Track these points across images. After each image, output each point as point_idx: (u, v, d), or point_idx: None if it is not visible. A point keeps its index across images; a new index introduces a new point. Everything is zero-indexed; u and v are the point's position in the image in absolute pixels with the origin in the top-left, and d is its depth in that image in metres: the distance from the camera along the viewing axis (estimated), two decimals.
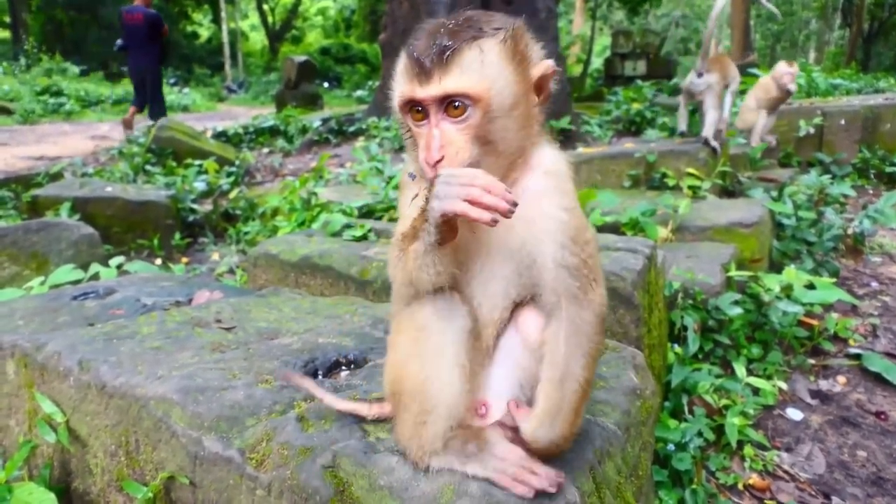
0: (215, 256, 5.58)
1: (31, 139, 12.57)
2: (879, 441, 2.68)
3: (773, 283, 3.07)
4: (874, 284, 4.39)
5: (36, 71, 21.23)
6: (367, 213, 4.42)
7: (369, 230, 2.78)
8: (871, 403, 2.96)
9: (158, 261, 5.54)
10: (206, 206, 6.46)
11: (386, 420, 1.25)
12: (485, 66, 1.01)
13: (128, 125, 10.89)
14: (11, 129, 14.24)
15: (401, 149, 9.43)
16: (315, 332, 1.79)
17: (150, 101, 11.30)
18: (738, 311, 2.86)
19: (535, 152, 1.12)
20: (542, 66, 1.09)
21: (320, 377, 1.55)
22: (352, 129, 10.54)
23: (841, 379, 3.14)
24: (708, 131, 4.95)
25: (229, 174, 7.64)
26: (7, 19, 31.02)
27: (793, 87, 6.01)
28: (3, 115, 15.47)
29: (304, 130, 10.86)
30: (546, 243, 1.07)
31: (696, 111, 5.83)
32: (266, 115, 12.60)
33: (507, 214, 0.94)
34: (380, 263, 2.45)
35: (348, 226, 2.83)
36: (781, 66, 6.20)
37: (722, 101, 5.38)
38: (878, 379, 3.12)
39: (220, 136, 10.64)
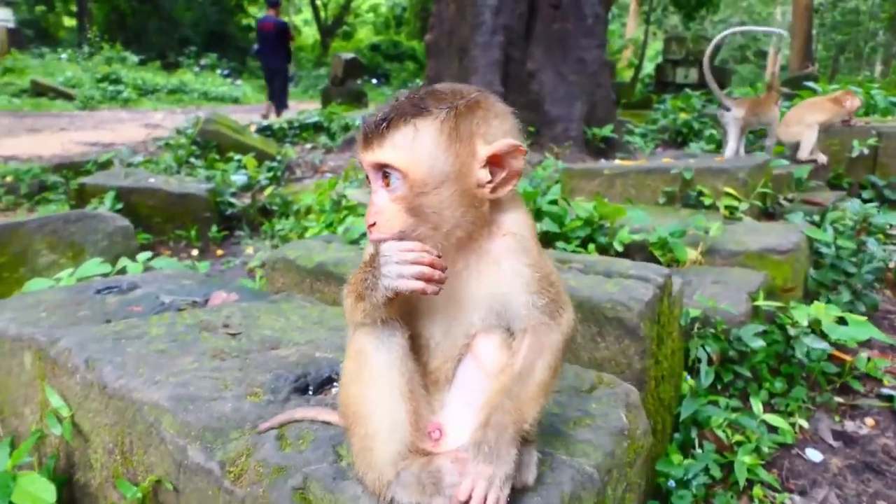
0: (249, 250, 5.71)
1: (89, 125, 13.09)
2: None
3: (801, 315, 2.95)
4: None
5: (97, 59, 22.11)
6: None
7: None
8: None
9: (195, 252, 5.71)
10: (245, 200, 6.62)
11: None
12: (415, 144, 1.06)
13: (265, 117, 12.90)
14: (72, 114, 14.86)
15: None
16: (315, 344, 1.81)
17: (277, 95, 13.44)
18: (760, 343, 2.77)
19: (497, 217, 1.17)
20: (498, 145, 1.10)
21: (310, 393, 1.57)
22: None
23: (869, 421, 3.00)
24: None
25: (269, 169, 7.80)
26: (74, 8, 32.38)
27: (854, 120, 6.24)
28: (66, 100, 16.15)
29: (346, 128, 11.00)
30: (516, 295, 1.14)
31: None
32: (311, 110, 12.80)
33: (443, 282, 1.05)
34: None
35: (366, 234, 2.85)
36: (851, 97, 6.31)
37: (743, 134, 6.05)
38: None
39: (265, 130, 10.87)
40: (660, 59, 20.53)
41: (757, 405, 2.59)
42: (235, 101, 21.55)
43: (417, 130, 1.06)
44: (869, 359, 3.25)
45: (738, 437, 2.53)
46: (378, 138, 1.07)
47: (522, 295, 1.13)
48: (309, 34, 41.68)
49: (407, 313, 1.15)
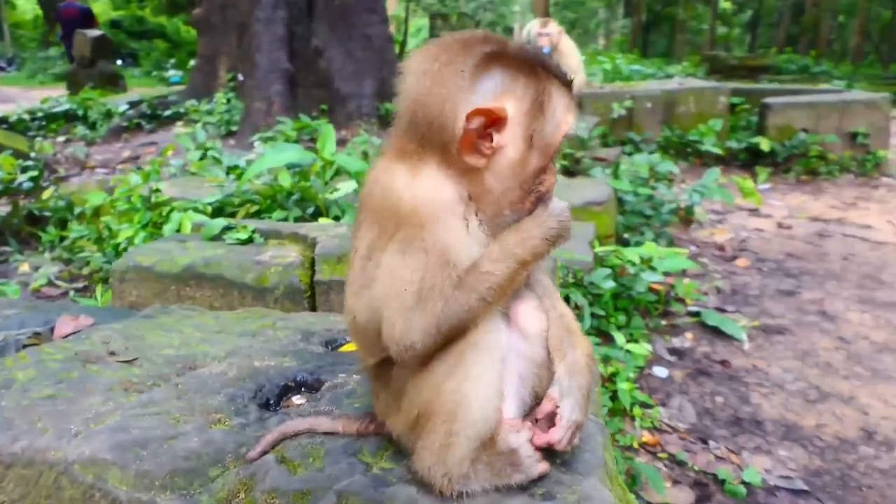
0: (24, 267, 4.76)
1: None
2: (729, 386, 3.11)
3: (633, 255, 3.38)
4: (693, 248, 5.05)
5: None
6: (219, 208, 4.05)
7: (253, 231, 2.55)
8: (715, 354, 3.41)
9: None
10: (3, 208, 5.48)
11: (383, 446, 1.16)
12: None
13: None
14: None
15: (229, 134, 8.79)
16: (243, 354, 1.61)
17: None
18: (611, 284, 3.11)
19: None
20: None
21: (273, 407, 1.39)
22: (167, 113, 9.60)
23: (689, 335, 3.58)
24: None
25: (25, 169, 6.53)
26: None
27: (546, 49, 5.67)
28: None
29: (108, 115, 9.65)
30: None
31: None
32: (56, 97, 10.95)
33: None
34: (278, 268, 2.26)
35: (228, 228, 2.57)
36: (534, 26, 6.12)
37: None
38: (716, 331, 3.61)
39: (0, 122, 9.07)
40: (426, 36, 21.33)
41: (619, 337, 2.92)
42: None
43: None
44: (685, 286, 3.85)
45: (611, 369, 2.83)
46: None
47: None
48: (27, 8, 35.02)
49: None
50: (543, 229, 1.05)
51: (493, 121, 1.00)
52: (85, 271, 4.40)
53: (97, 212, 4.94)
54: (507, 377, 1.09)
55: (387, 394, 1.12)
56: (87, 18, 14.03)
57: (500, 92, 1.01)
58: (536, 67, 1.03)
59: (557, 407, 1.09)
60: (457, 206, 1.03)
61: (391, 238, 1.03)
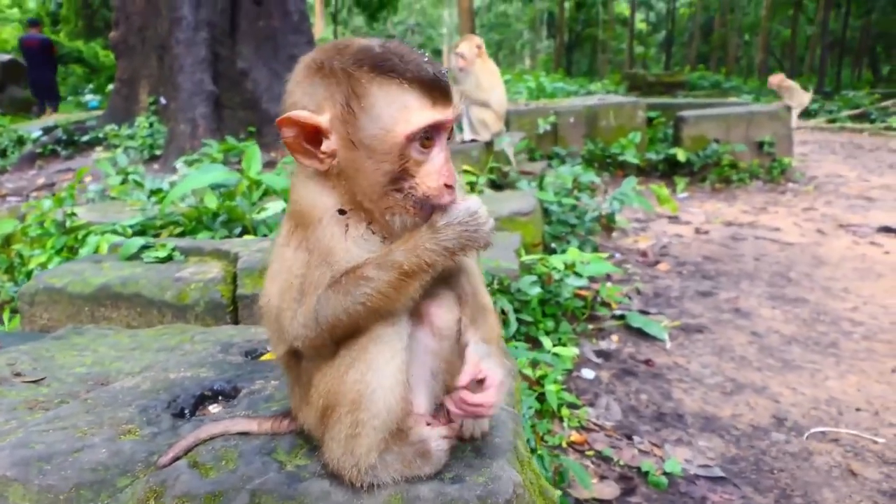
0: None
1: None
2: (653, 384, 3.24)
3: (558, 262, 3.49)
4: (618, 255, 5.26)
5: None
6: (140, 231, 3.93)
7: (173, 249, 2.49)
8: (639, 354, 3.55)
9: None
10: None
11: (298, 444, 1.17)
12: None
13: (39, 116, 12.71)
14: None
15: (152, 158, 8.54)
16: (159, 368, 1.57)
17: (53, 99, 14.15)
18: (537, 290, 3.20)
19: None
20: None
21: (187, 415, 1.37)
22: (85, 138, 9.25)
23: (614, 338, 3.71)
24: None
25: None
26: None
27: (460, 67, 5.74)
28: None
29: (20, 142, 9.22)
30: None
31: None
32: None
33: None
34: (199, 284, 2.22)
35: (146, 247, 2.50)
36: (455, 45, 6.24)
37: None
38: (640, 333, 3.76)
39: None
40: None
41: (547, 342, 3.01)
42: None
43: None
44: (609, 290, 4.00)
45: (539, 372, 2.90)
46: (451, 91, 1.03)
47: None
48: None
49: None
50: (438, 238, 1.00)
51: (310, 128, 1.01)
52: None
53: (8, 240, 4.70)
54: (419, 373, 1.12)
55: (299, 387, 1.14)
56: (48, 50, 14.04)
57: (321, 99, 1.01)
58: (358, 70, 0.99)
59: (481, 370, 1.10)
60: (336, 212, 1.06)
61: (291, 235, 1.08)
